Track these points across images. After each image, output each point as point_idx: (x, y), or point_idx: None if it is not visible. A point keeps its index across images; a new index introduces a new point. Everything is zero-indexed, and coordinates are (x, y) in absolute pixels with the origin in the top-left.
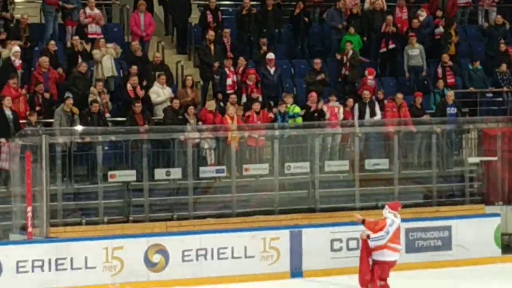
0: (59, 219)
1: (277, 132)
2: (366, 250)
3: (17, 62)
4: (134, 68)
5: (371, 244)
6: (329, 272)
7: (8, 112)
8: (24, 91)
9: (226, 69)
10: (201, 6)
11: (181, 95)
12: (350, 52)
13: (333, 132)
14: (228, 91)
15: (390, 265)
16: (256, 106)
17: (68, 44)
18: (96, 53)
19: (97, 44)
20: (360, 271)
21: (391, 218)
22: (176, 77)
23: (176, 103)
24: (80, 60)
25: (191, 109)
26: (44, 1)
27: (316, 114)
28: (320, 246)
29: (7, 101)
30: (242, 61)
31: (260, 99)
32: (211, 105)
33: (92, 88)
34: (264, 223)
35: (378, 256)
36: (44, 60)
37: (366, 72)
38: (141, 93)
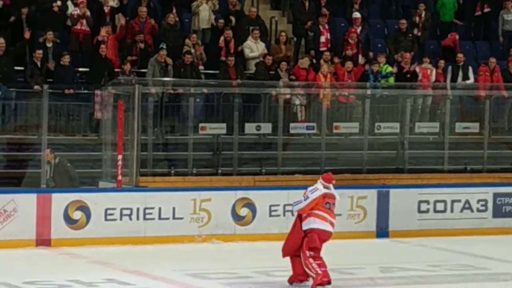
0: (149, 169)
1: (368, 91)
2: (297, 222)
3: (106, 9)
4: (229, 22)
5: (294, 210)
6: (415, 234)
7: (103, 60)
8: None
9: (320, 27)
10: None
11: (274, 51)
12: (423, 14)
13: (425, 94)
14: (321, 49)
15: (318, 233)
16: (349, 65)
17: None
18: (194, 4)
19: None
20: (285, 241)
21: (317, 186)
22: (270, 32)
23: (269, 59)
24: (174, 10)
25: (283, 65)
26: None
27: (408, 75)
28: (407, 207)
29: (103, 49)
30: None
31: (361, 59)
32: (304, 62)
33: (187, 40)
34: (352, 181)
35: (305, 225)
36: (142, 10)
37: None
38: (233, 46)
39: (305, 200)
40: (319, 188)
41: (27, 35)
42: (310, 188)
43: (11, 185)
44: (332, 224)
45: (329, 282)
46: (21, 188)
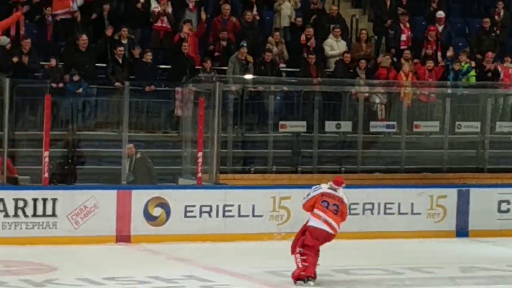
0: (228, 166)
1: (449, 90)
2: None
3: (190, 5)
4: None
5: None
6: (495, 233)
7: (185, 57)
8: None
9: (401, 25)
10: None
11: (355, 49)
12: (502, 12)
13: (506, 93)
14: (402, 47)
15: (313, 231)
16: (430, 63)
17: None
18: (276, 2)
19: None
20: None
21: (321, 185)
22: (351, 30)
23: (348, 57)
24: (255, 8)
25: (363, 63)
26: None
27: (489, 74)
28: (487, 206)
29: (185, 46)
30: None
31: (439, 58)
32: (385, 60)
33: (269, 38)
34: (432, 180)
35: (308, 223)
36: (225, 7)
37: None
38: (314, 44)
39: (304, 198)
40: (322, 187)
41: (109, 32)
42: (313, 187)
43: (91, 181)
44: (327, 222)
45: (309, 277)
46: (102, 184)
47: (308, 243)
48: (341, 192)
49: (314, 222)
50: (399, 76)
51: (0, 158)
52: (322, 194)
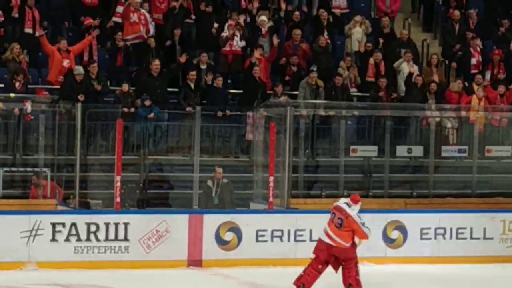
0: (300, 190)
1: None
2: None
3: (263, 30)
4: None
5: None
6: None
7: (256, 82)
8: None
9: (471, 49)
10: None
11: (425, 73)
12: None
13: None
14: (472, 71)
15: (317, 242)
16: (501, 89)
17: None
18: (346, 27)
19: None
20: None
21: (340, 199)
22: (422, 54)
23: (419, 80)
24: (325, 33)
25: (433, 87)
26: None
27: None
28: None
29: (256, 71)
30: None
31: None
32: (456, 85)
33: (341, 62)
34: (504, 205)
35: None
36: (296, 32)
37: None
38: (384, 69)
39: None
40: (339, 201)
41: (182, 59)
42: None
43: (163, 205)
44: (327, 233)
45: (299, 286)
46: (174, 209)
47: (314, 253)
48: (355, 210)
49: (320, 234)
50: (470, 101)
51: (52, 182)
52: (335, 207)
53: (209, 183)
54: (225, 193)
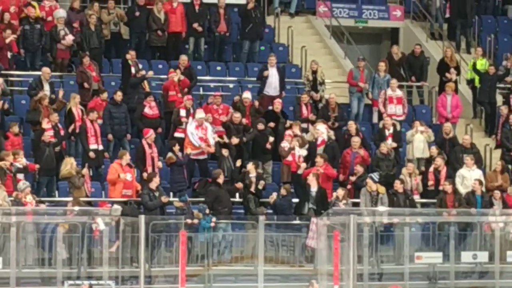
0: None
1: None
2: None
3: (320, 139)
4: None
5: None
6: None
7: (313, 189)
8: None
9: None
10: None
11: (490, 179)
12: None
13: None
14: None
15: None
16: None
17: (380, 125)
18: (408, 133)
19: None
20: None
21: None
22: (485, 159)
23: (476, 185)
24: (390, 140)
25: (497, 193)
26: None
27: None
28: None
29: (312, 179)
30: None
31: None
32: None
33: (403, 169)
34: None
35: None
36: (355, 140)
37: None
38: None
39: None
40: None
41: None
42: None
43: None
44: None
45: None
46: None
47: None
48: None
49: None
50: None
51: None
52: None
53: None
54: None
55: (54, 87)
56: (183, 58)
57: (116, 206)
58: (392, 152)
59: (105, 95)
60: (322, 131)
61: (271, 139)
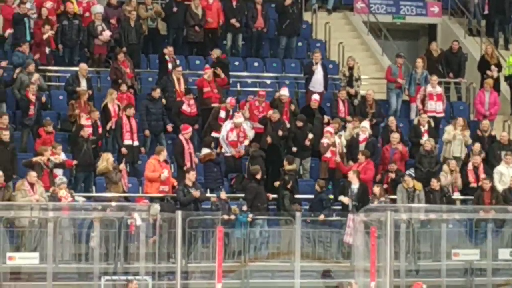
0: None
1: None
2: None
3: (362, 136)
4: (477, 146)
5: None
6: None
7: (355, 186)
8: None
9: None
10: None
11: None
12: None
13: None
14: None
15: None
16: None
17: (415, 121)
18: (448, 133)
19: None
20: None
21: None
22: None
23: None
24: (426, 136)
25: None
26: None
27: None
28: None
29: (353, 176)
30: None
31: None
32: None
33: (444, 166)
34: None
35: None
36: (394, 136)
37: None
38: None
39: None
40: None
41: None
42: None
43: None
44: None
45: None
46: None
47: None
48: None
49: None
50: None
51: None
52: None
53: None
54: None
55: (91, 83)
56: (216, 51)
57: (155, 206)
58: (436, 149)
59: (123, 87)
60: (367, 128)
61: (310, 136)
